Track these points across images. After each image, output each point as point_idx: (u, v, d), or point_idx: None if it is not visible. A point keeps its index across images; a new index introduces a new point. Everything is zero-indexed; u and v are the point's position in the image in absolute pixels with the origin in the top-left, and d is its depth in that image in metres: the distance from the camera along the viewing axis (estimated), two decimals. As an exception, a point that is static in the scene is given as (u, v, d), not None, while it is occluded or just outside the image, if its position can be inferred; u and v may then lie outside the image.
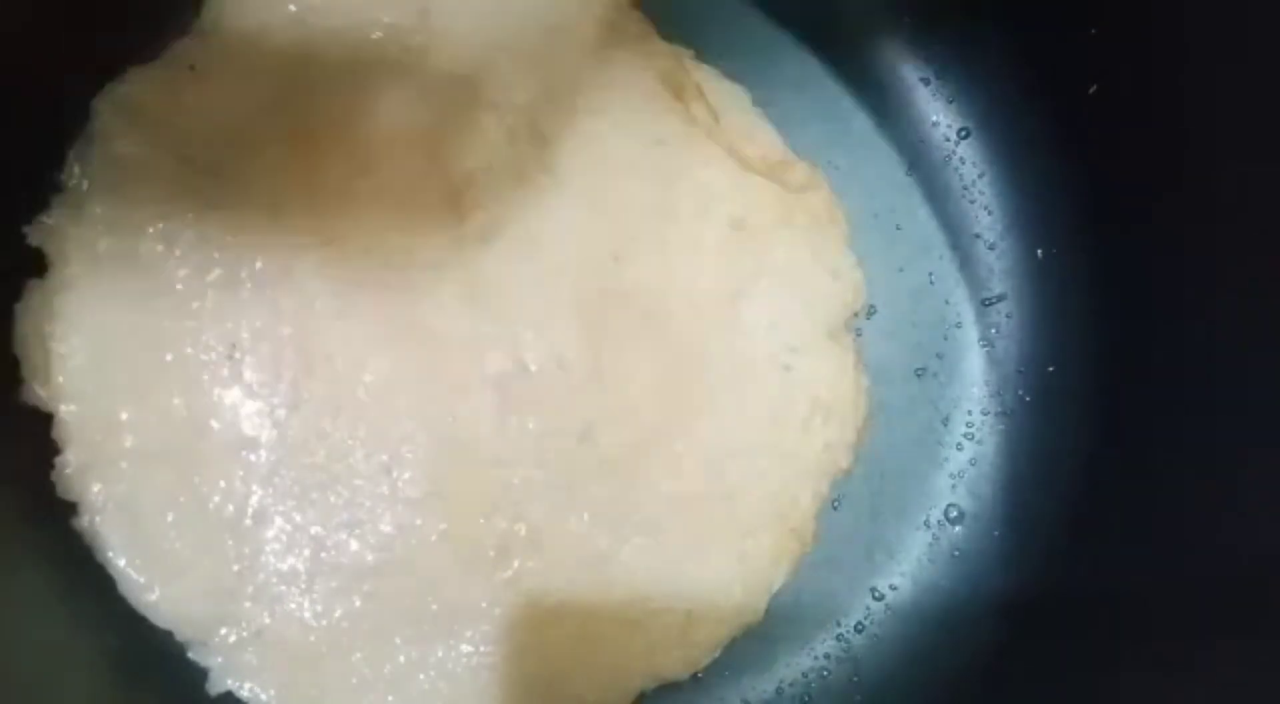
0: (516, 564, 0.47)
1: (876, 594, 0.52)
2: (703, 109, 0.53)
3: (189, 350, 0.46)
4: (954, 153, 0.58)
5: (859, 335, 0.54)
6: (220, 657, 0.45)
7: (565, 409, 0.48)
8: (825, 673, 0.51)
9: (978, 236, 0.56)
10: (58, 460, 0.45)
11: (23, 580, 0.44)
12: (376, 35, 0.49)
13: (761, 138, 0.55)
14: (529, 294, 0.48)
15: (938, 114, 0.58)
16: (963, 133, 0.58)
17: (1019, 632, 0.50)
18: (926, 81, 0.58)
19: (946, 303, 0.56)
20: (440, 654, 0.46)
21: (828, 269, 0.53)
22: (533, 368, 0.48)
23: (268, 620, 0.45)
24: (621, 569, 0.48)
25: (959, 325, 0.56)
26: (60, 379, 0.45)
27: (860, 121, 0.57)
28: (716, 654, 0.49)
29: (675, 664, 0.48)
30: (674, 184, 0.51)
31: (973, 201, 0.57)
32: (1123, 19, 0.49)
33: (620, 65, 0.51)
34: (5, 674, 0.41)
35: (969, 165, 0.58)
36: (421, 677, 0.46)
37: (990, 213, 0.57)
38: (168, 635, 0.45)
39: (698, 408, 0.50)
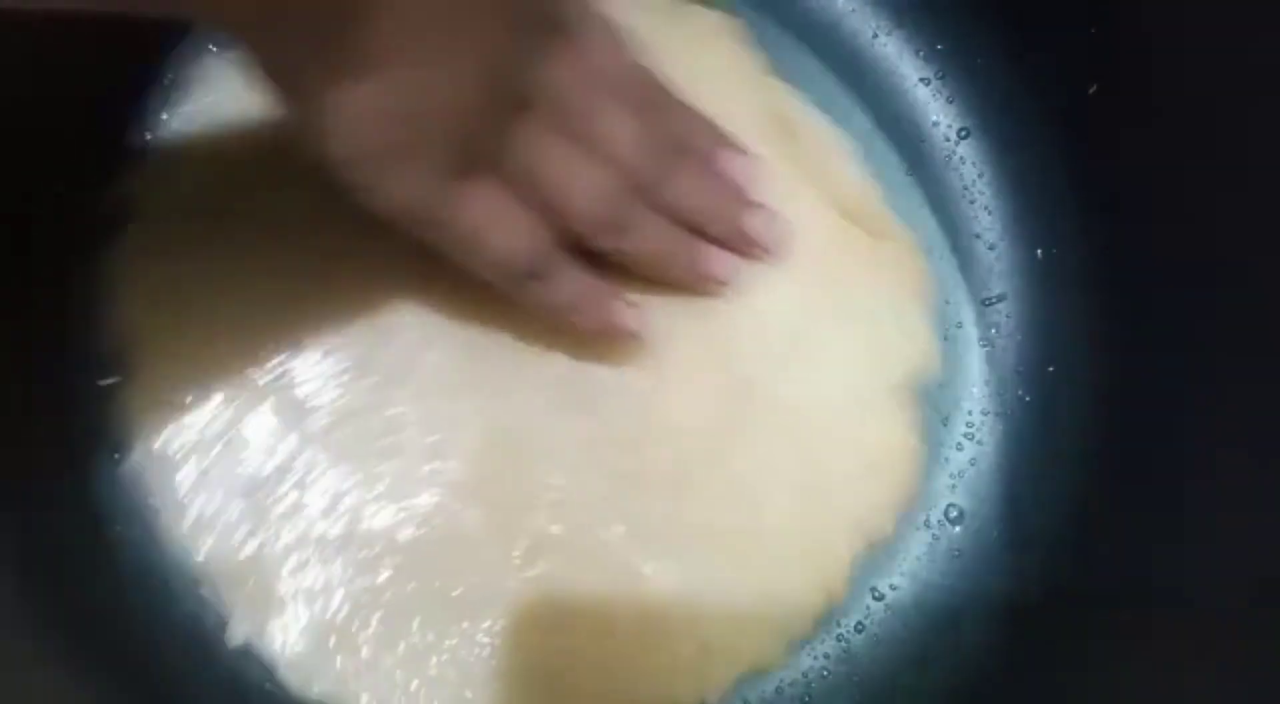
0: (544, 564, 0.47)
1: (876, 594, 0.52)
2: (803, 148, 0.53)
3: (263, 306, 0.48)
4: (954, 153, 0.58)
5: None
6: (242, 610, 0.46)
7: (618, 419, 0.49)
8: (825, 673, 0.50)
9: (978, 237, 0.56)
10: (120, 397, 0.47)
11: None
12: None
13: (859, 186, 0.55)
14: None
15: (938, 114, 0.58)
16: (963, 133, 0.58)
17: (1019, 632, 0.50)
18: (926, 81, 0.58)
19: (946, 303, 0.56)
20: (455, 640, 0.46)
21: (902, 329, 0.53)
22: (592, 372, 0.49)
23: (295, 579, 0.46)
24: (645, 587, 0.48)
25: (959, 325, 0.56)
26: (132, 326, 0.47)
27: (860, 121, 0.57)
28: (726, 691, 0.48)
29: (685, 693, 0.48)
30: None
31: (973, 201, 0.57)
32: (1123, 19, 0.49)
33: (721, 96, 0.52)
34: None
35: (969, 165, 0.58)
36: (433, 660, 0.46)
37: (990, 213, 0.57)
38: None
39: (749, 441, 0.50)
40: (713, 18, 0.55)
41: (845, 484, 0.50)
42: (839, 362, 0.51)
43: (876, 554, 0.52)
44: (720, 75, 0.54)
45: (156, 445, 0.47)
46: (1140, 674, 0.43)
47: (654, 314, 0.49)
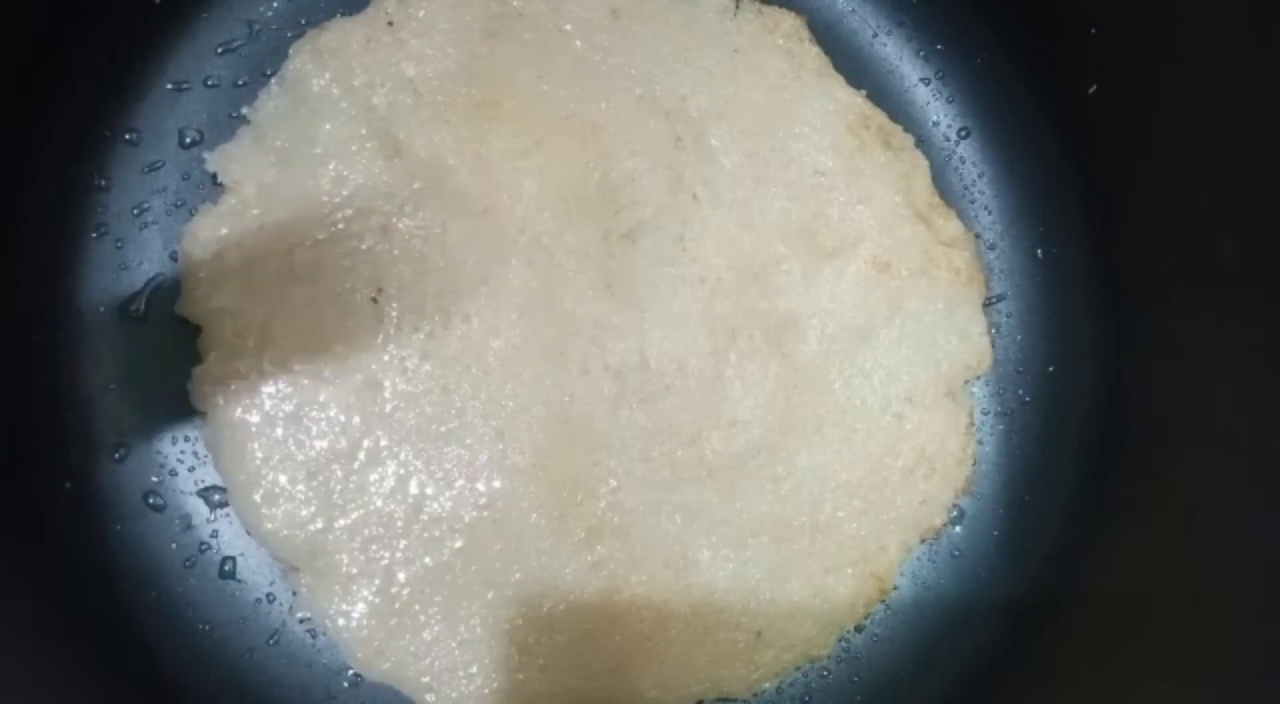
0: (602, 550, 0.48)
1: (877, 594, 0.52)
2: (893, 150, 0.54)
3: (337, 287, 0.49)
4: (954, 153, 0.58)
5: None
6: (307, 587, 0.47)
7: (678, 411, 0.50)
8: (825, 673, 0.51)
9: (978, 237, 0.56)
10: (194, 371, 0.48)
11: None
12: (568, 28, 0.52)
13: (933, 192, 0.56)
14: (665, 296, 0.51)
15: (938, 114, 0.58)
16: (963, 133, 0.58)
17: (1019, 632, 0.50)
18: (927, 81, 0.58)
19: (946, 303, 0.56)
20: (514, 625, 0.47)
21: (957, 329, 0.54)
22: (653, 365, 0.50)
23: (360, 558, 0.47)
24: (702, 576, 0.49)
25: (959, 325, 0.56)
26: (213, 296, 0.48)
27: (860, 121, 0.57)
28: (778, 681, 0.49)
29: (737, 681, 0.49)
30: (827, 215, 0.53)
31: (973, 201, 0.57)
32: (1123, 19, 0.49)
33: (795, 96, 0.54)
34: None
35: (969, 165, 0.58)
36: (493, 643, 0.47)
37: (990, 213, 0.57)
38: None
39: (806, 436, 0.51)
40: (771, 14, 0.56)
41: (902, 483, 0.51)
42: (896, 364, 0.52)
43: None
44: (793, 75, 0.55)
45: (228, 421, 0.48)
46: (1139, 673, 0.43)
47: (717, 307, 0.51)
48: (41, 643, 0.43)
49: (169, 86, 0.51)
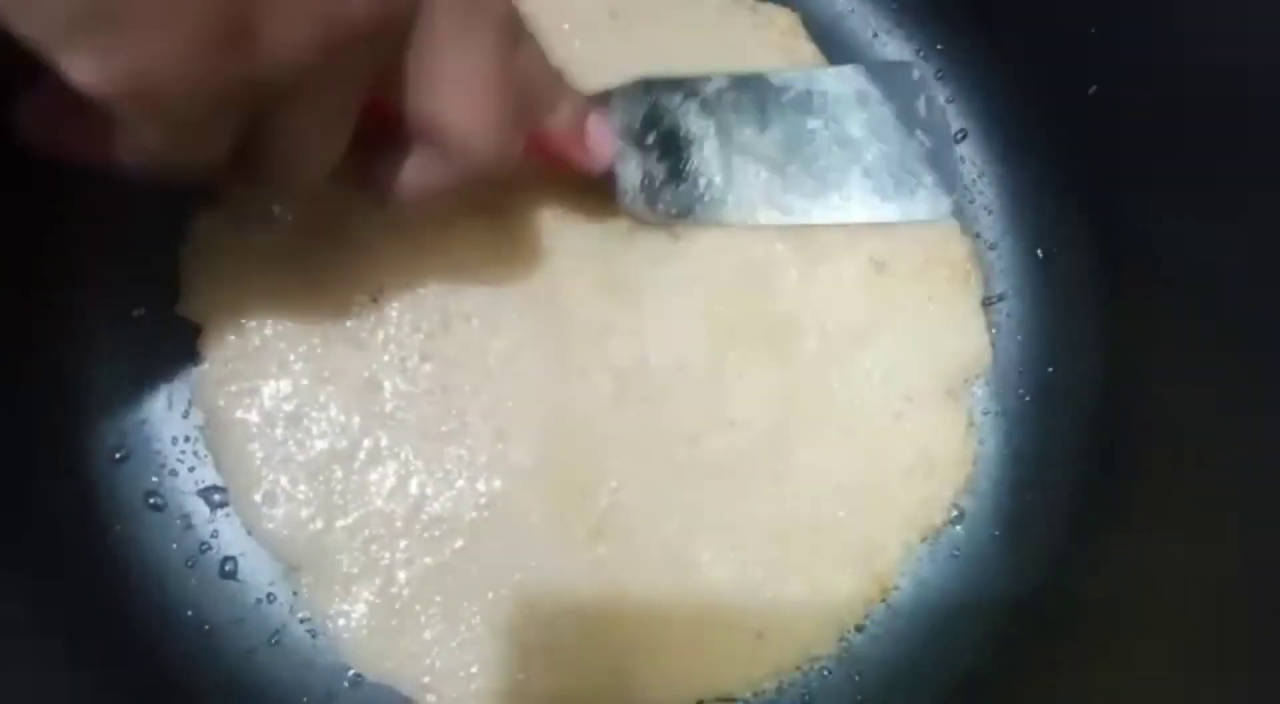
0: (603, 550, 0.48)
1: (877, 593, 0.52)
2: None
3: (338, 286, 0.49)
4: (954, 153, 0.58)
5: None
6: (308, 587, 0.47)
7: (678, 411, 0.50)
8: (826, 672, 0.51)
9: (978, 236, 0.56)
10: (195, 371, 0.48)
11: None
12: (566, 27, 0.52)
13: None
14: (664, 296, 0.51)
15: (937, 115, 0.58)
16: (961, 134, 0.58)
17: (1019, 632, 0.50)
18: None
19: (946, 303, 0.56)
20: (514, 625, 0.47)
21: (956, 328, 0.54)
22: (653, 364, 0.50)
23: (360, 559, 0.47)
24: (702, 576, 0.49)
25: (960, 325, 0.56)
26: (213, 295, 0.49)
27: (860, 121, 0.57)
28: (778, 680, 0.49)
29: (738, 681, 0.49)
30: None
31: (972, 201, 0.57)
32: (1123, 19, 0.49)
33: None
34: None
35: (969, 165, 0.58)
36: (493, 643, 0.47)
37: (990, 213, 0.57)
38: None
39: (806, 435, 0.51)
40: (766, 12, 0.56)
41: (903, 482, 0.51)
42: (895, 363, 0.52)
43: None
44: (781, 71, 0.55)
45: (228, 421, 0.48)
46: (1139, 674, 0.43)
47: (716, 307, 0.51)
48: (40, 643, 0.43)
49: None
